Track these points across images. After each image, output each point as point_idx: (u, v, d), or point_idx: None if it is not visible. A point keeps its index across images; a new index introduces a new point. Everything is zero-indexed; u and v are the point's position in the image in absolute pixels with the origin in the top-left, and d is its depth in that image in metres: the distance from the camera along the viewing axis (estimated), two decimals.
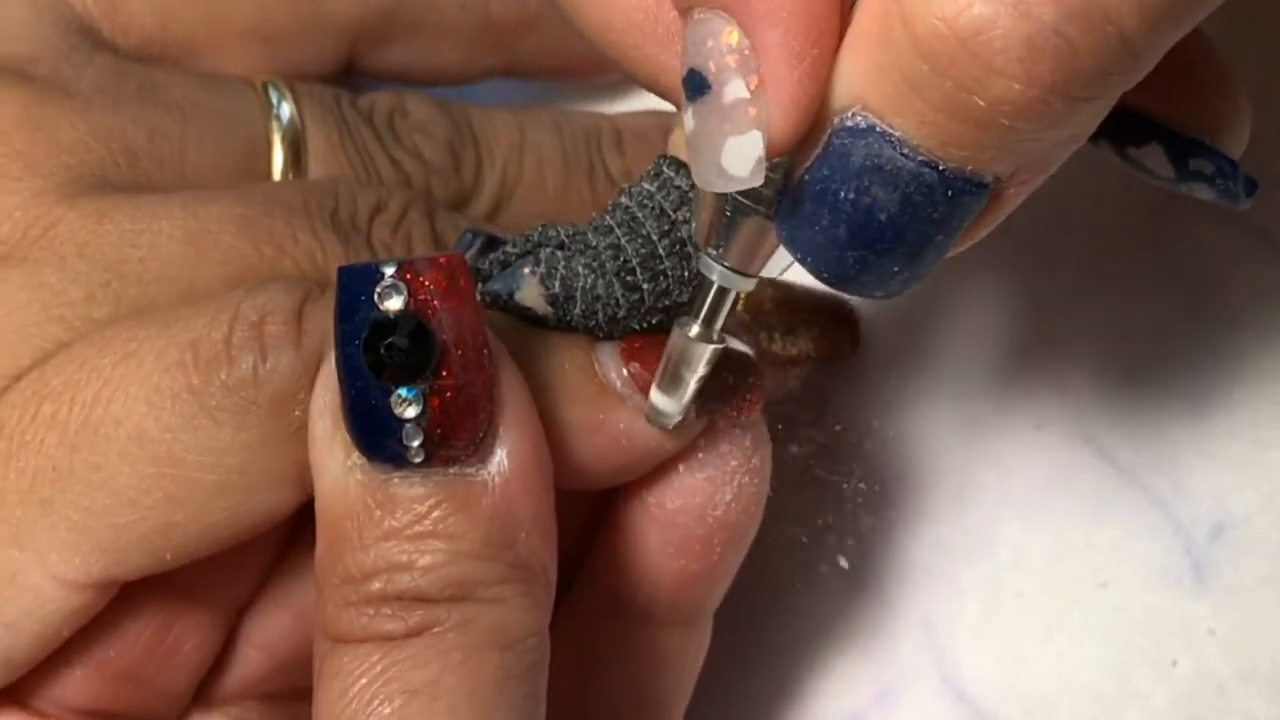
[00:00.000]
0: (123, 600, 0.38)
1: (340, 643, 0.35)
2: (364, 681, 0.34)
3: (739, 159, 0.31)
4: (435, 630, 0.34)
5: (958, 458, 0.49)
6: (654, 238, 0.38)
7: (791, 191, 0.32)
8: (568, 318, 0.38)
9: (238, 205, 0.40)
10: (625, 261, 0.38)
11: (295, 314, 0.36)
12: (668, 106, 0.48)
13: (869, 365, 0.50)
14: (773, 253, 0.34)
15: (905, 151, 0.30)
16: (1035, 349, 0.50)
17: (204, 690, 0.41)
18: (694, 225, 0.36)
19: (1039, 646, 0.47)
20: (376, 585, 0.34)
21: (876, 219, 0.31)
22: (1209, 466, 0.48)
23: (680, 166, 0.38)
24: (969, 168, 0.30)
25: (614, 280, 0.38)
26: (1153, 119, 0.39)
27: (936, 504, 0.49)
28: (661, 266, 0.38)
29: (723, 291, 0.36)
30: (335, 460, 0.35)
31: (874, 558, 0.49)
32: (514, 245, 0.39)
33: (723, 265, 0.35)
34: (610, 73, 0.52)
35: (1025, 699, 0.47)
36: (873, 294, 0.33)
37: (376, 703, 0.34)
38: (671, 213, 0.38)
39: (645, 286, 0.38)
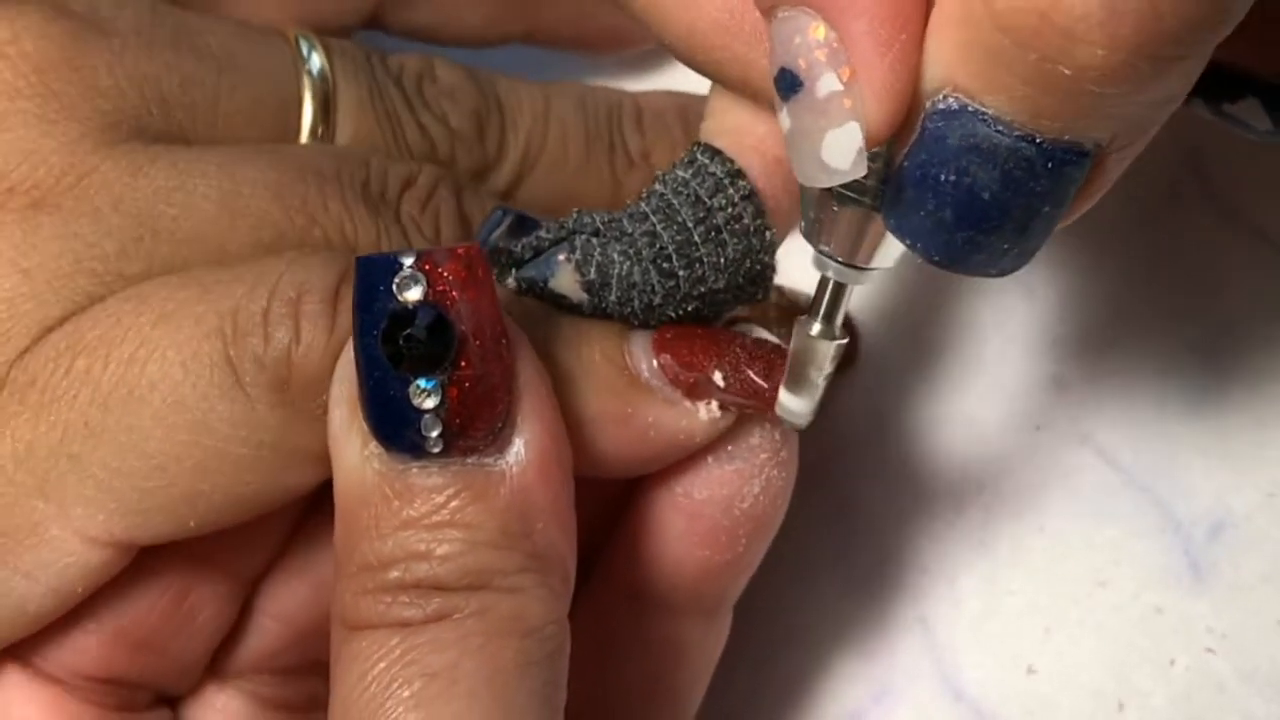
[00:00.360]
0: (140, 565, 0.38)
1: (358, 630, 0.35)
2: (383, 665, 0.34)
3: (839, 152, 0.31)
4: (454, 617, 0.34)
5: (956, 457, 0.49)
6: (689, 225, 0.38)
7: (893, 179, 0.32)
8: (603, 305, 0.38)
9: (272, 169, 0.40)
10: (661, 248, 0.38)
11: (332, 292, 0.36)
12: (684, 86, 0.49)
13: (869, 366, 0.50)
14: (881, 242, 0.34)
15: (1000, 129, 0.30)
16: (1034, 349, 0.50)
17: (219, 661, 0.41)
18: (802, 224, 0.36)
19: (1038, 646, 0.47)
20: (394, 574, 0.34)
21: (980, 198, 0.31)
22: (1208, 465, 0.48)
23: (715, 154, 0.38)
24: (1066, 137, 0.30)
25: (650, 267, 0.38)
26: (1247, 72, 0.38)
27: (935, 504, 0.49)
28: (697, 254, 0.38)
29: (839, 287, 0.36)
30: (353, 449, 0.35)
31: (873, 557, 0.49)
32: (548, 231, 0.38)
33: (837, 261, 0.35)
34: (630, 47, 0.52)
35: (1024, 698, 0.47)
36: (987, 272, 0.33)
37: (396, 685, 0.34)
38: (707, 200, 0.38)
39: (681, 274, 0.38)
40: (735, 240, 0.38)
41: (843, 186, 0.33)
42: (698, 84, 0.38)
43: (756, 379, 0.38)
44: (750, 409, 0.39)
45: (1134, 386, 0.49)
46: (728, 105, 0.38)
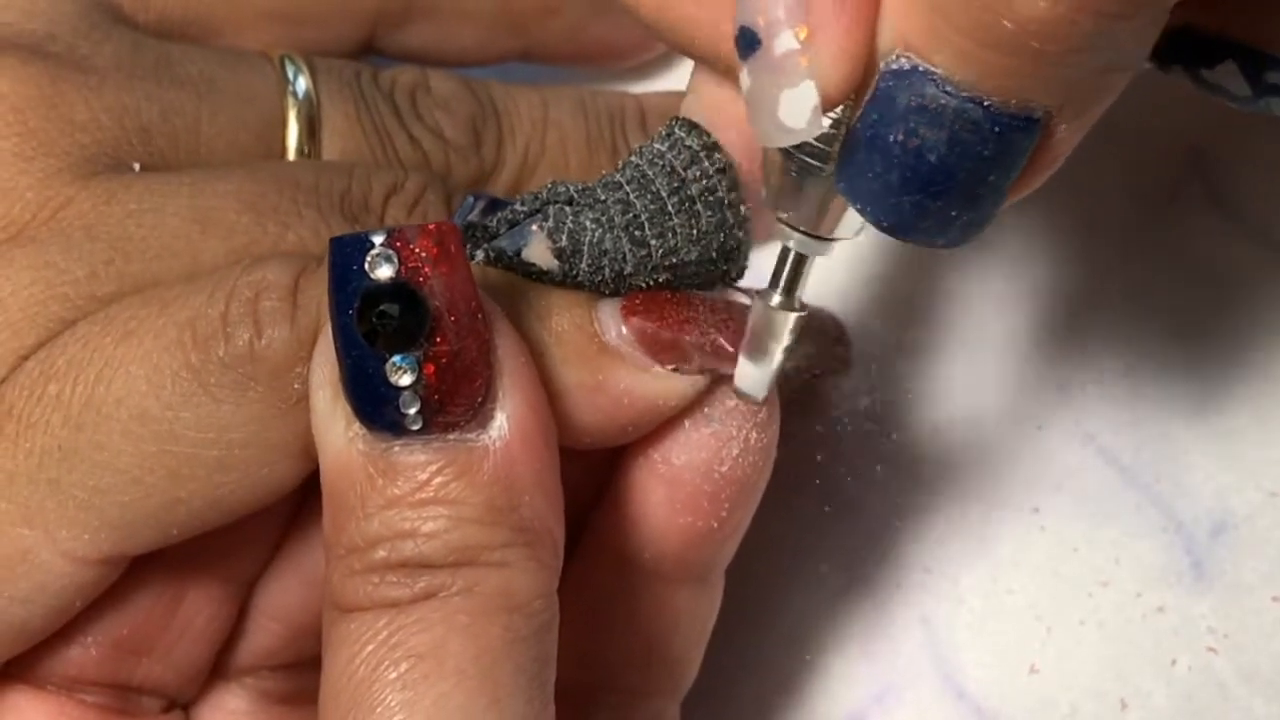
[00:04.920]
0: (133, 574, 0.39)
1: (347, 612, 0.35)
2: (370, 648, 0.34)
3: (795, 111, 0.31)
4: (441, 595, 0.34)
5: (958, 457, 0.49)
6: (663, 195, 0.38)
7: (846, 141, 0.32)
8: (575, 273, 0.38)
9: (246, 181, 0.40)
10: (634, 217, 0.38)
11: (290, 288, 0.37)
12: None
13: (869, 365, 0.50)
14: (843, 212, 0.34)
15: (948, 89, 0.30)
16: (1036, 348, 0.50)
17: (221, 662, 0.41)
18: (764, 192, 0.36)
19: (1040, 645, 0.47)
20: (381, 553, 0.34)
21: (926, 161, 0.31)
22: (1210, 466, 0.48)
23: (692, 128, 0.38)
24: (1013, 101, 0.30)
25: (622, 235, 0.38)
26: (1224, 37, 0.38)
27: (937, 503, 0.49)
28: (670, 224, 0.38)
29: (800, 258, 0.36)
30: (337, 431, 0.35)
31: (874, 557, 0.49)
32: (523, 203, 0.38)
33: (797, 231, 0.35)
34: (628, 59, 0.52)
35: (1026, 698, 0.47)
36: (935, 242, 0.33)
37: (383, 668, 0.34)
38: (681, 171, 0.38)
39: (653, 243, 0.38)
40: (709, 212, 0.38)
41: (803, 152, 0.33)
42: None
43: (725, 343, 0.38)
44: (720, 372, 0.38)
45: (1136, 387, 0.49)
46: (707, 82, 0.38)
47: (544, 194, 0.39)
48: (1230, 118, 0.49)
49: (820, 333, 0.48)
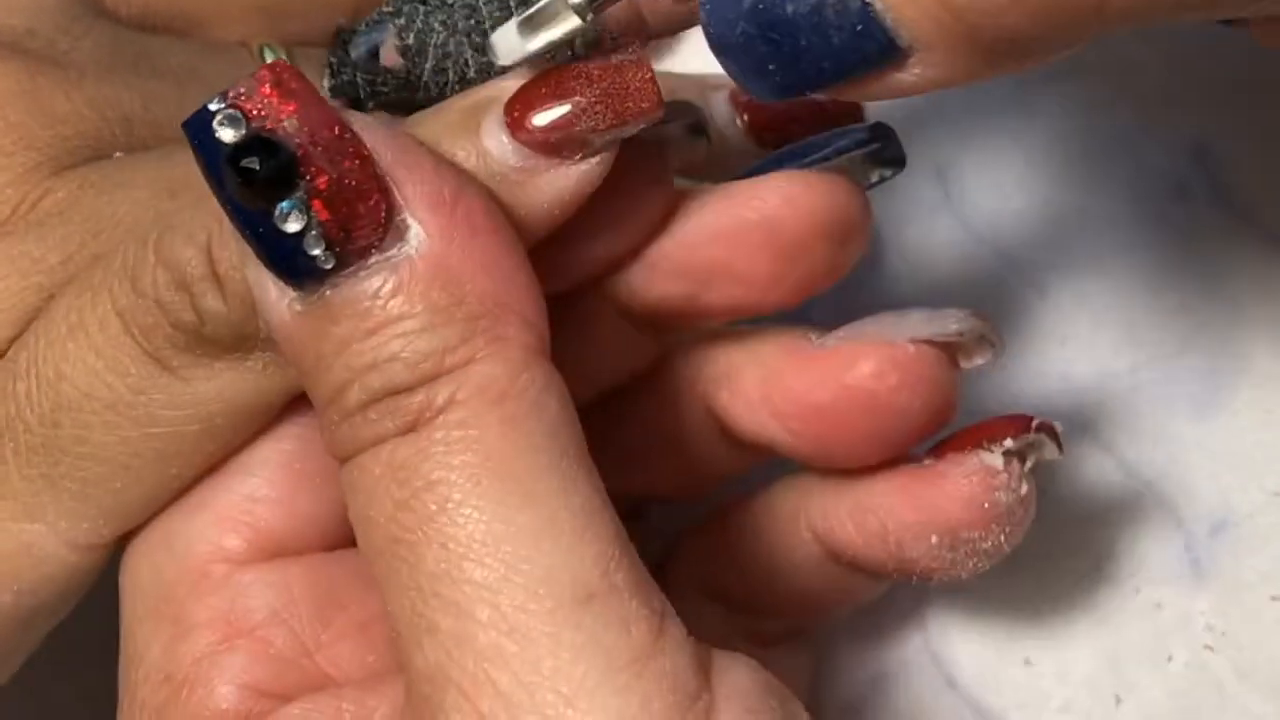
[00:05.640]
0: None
1: (346, 461, 0.34)
2: (380, 489, 0.33)
3: None
4: (425, 419, 0.33)
5: None
6: (512, 4, 0.37)
7: None
8: (419, 73, 0.38)
9: None
10: (478, 23, 0.37)
11: (204, 247, 0.36)
12: (694, 68, 0.49)
13: None
14: None
15: None
16: (1038, 343, 0.50)
17: None
18: None
19: (1034, 639, 0.47)
20: (353, 396, 0.34)
21: (783, 6, 0.31)
22: (1212, 464, 0.48)
23: None
24: (890, 16, 0.30)
25: (464, 39, 0.37)
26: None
27: None
28: None
29: None
30: (273, 301, 0.34)
31: None
32: (388, 5, 0.38)
33: None
34: None
35: (1021, 690, 0.47)
36: (740, 78, 0.33)
37: (402, 508, 0.33)
38: None
39: None
40: None
41: None
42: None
43: (618, 116, 0.36)
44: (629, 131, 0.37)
45: (1140, 383, 0.49)
46: None
47: None
48: (1235, 114, 0.49)
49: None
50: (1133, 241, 0.50)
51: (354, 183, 0.33)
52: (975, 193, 0.51)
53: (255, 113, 0.33)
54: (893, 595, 0.48)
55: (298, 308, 0.34)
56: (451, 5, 0.38)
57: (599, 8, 0.35)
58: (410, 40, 0.38)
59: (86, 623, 0.41)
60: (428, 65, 0.38)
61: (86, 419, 0.37)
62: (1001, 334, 0.41)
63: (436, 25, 0.38)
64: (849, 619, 0.48)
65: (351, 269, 0.33)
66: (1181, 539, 0.47)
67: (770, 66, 0.32)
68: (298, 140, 0.33)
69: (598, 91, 0.36)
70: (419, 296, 0.33)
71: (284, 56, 0.44)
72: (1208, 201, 0.49)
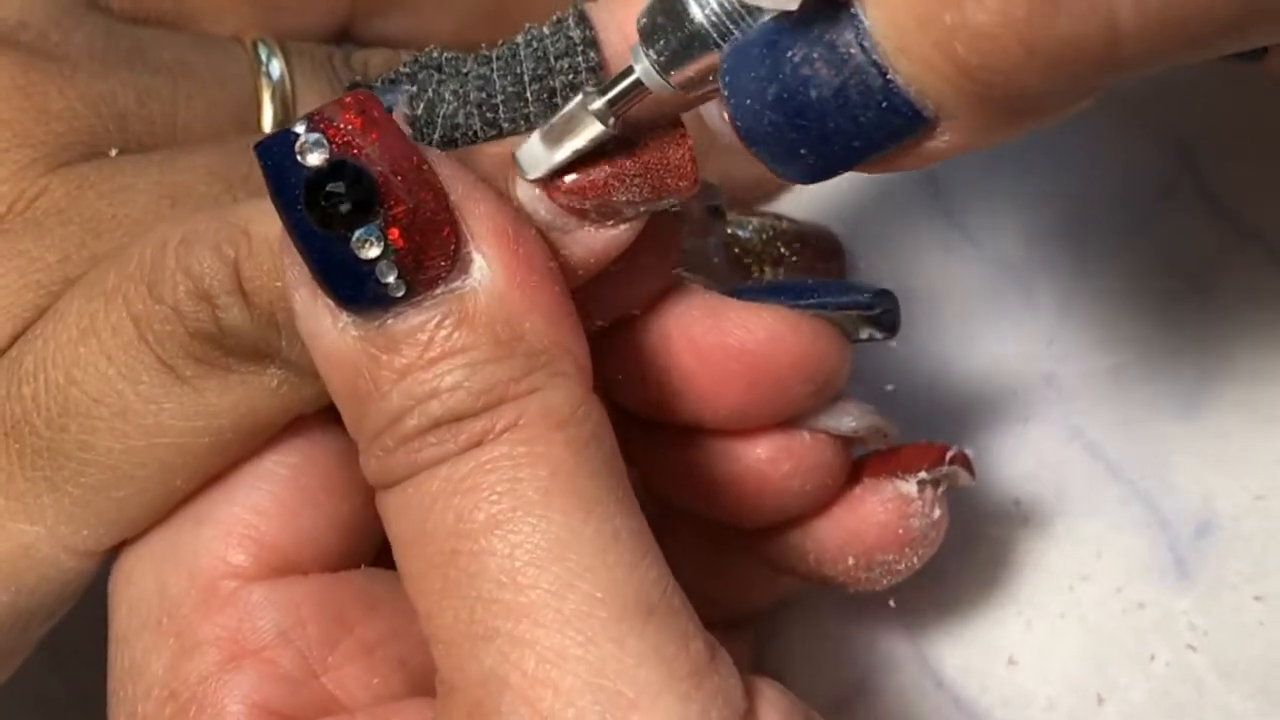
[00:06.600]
0: None
1: (398, 484, 0.34)
2: (441, 502, 0.33)
3: None
4: (488, 439, 0.33)
5: None
6: (526, 80, 0.37)
7: (749, 32, 0.32)
8: (427, 143, 0.37)
9: (214, 154, 0.41)
10: (490, 96, 0.37)
11: (227, 255, 0.36)
12: None
13: (857, 359, 0.50)
14: (702, 77, 0.33)
15: (865, 43, 0.30)
16: (1025, 343, 0.50)
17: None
18: (642, 17, 0.34)
19: (1019, 637, 0.47)
20: (411, 422, 0.34)
21: (807, 93, 0.31)
22: (1197, 465, 0.48)
23: (582, 19, 0.37)
24: (913, 89, 0.30)
25: (474, 111, 0.37)
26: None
27: None
28: (525, 110, 0.37)
29: (638, 85, 0.34)
30: (325, 327, 0.34)
31: None
32: (405, 65, 0.38)
33: (652, 64, 0.34)
34: None
35: (1004, 689, 0.47)
36: (772, 166, 0.32)
37: (466, 514, 0.33)
38: (553, 60, 0.37)
39: (505, 126, 0.37)
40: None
41: (714, 19, 0.32)
42: None
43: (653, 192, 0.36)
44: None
45: (1124, 383, 0.49)
46: None
47: (423, 58, 0.38)
48: (1222, 114, 0.49)
49: (808, 245, 0.48)
50: (1118, 241, 0.50)
51: (429, 214, 0.34)
52: (962, 193, 0.51)
53: (339, 140, 0.33)
54: (878, 596, 0.48)
55: (353, 333, 0.34)
56: (466, 75, 0.38)
57: (621, 111, 0.35)
58: (420, 111, 0.37)
59: (81, 622, 0.41)
60: (436, 136, 0.38)
61: (93, 424, 0.37)
62: (897, 428, 0.42)
63: (448, 95, 0.37)
64: (835, 619, 0.48)
65: (418, 298, 0.34)
66: (1165, 539, 0.47)
67: (802, 151, 0.32)
68: (379, 169, 0.33)
69: (639, 164, 0.36)
70: (483, 329, 0.34)
71: (277, 51, 0.44)
72: (1193, 202, 0.49)
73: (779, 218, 0.47)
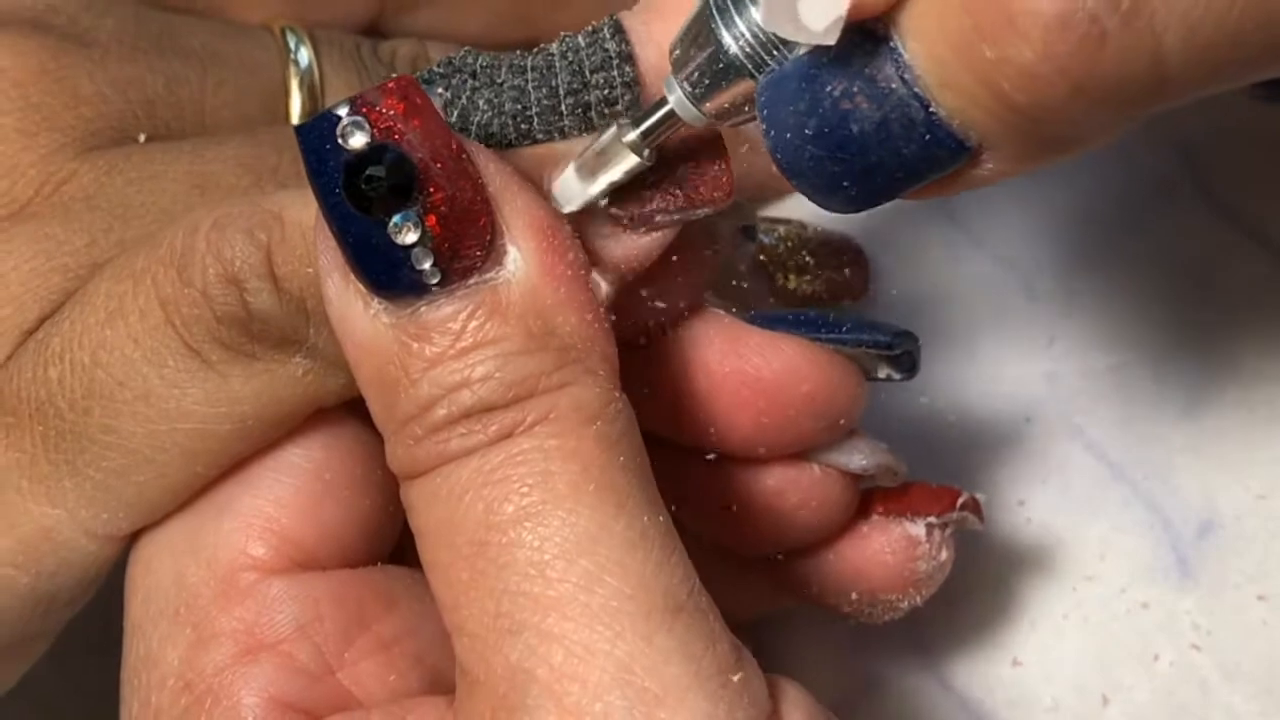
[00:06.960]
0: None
1: (425, 474, 0.34)
2: (471, 493, 0.33)
3: (817, 12, 0.30)
4: (518, 431, 0.33)
5: (946, 448, 0.49)
6: (561, 92, 0.37)
7: (788, 64, 0.31)
8: None
9: (244, 145, 0.40)
10: (525, 108, 0.36)
11: (259, 240, 0.36)
12: None
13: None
14: (738, 110, 0.33)
15: (906, 77, 0.30)
16: (1027, 342, 0.50)
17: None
18: (675, 48, 0.34)
19: (1024, 638, 0.47)
20: (441, 411, 0.33)
21: (849, 128, 0.31)
22: (1200, 465, 0.48)
23: (618, 31, 0.37)
24: (956, 122, 0.30)
25: (509, 122, 0.37)
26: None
27: None
28: (560, 123, 0.37)
29: (672, 117, 0.34)
30: (357, 313, 0.34)
31: None
32: (439, 66, 0.37)
33: (687, 95, 0.34)
34: None
35: (1009, 690, 0.47)
36: (814, 198, 0.32)
37: (496, 506, 0.33)
38: (588, 74, 0.37)
39: (540, 137, 0.37)
40: (603, 122, 0.37)
41: (747, 50, 0.32)
42: None
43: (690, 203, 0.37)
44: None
45: (1126, 383, 0.49)
46: None
47: (456, 61, 0.37)
48: (1221, 116, 0.49)
49: (833, 254, 0.48)
50: (1120, 241, 0.50)
51: (467, 203, 0.33)
52: (965, 193, 0.51)
53: (381, 124, 0.33)
54: None
55: (385, 320, 0.34)
56: (500, 85, 0.37)
57: (654, 142, 0.35)
58: (453, 117, 0.37)
59: (83, 621, 0.41)
60: None
61: (117, 408, 0.37)
62: (906, 466, 0.42)
63: (481, 104, 0.37)
64: (841, 621, 0.48)
65: (452, 286, 0.33)
66: (1168, 540, 0.47)
67: (845, 184, 0.31)
68: (419, 155, 0.33)
69: (675, 176, 0.36)
70: (516, 322, 0.33)
71: (306, 39, 0.44)
72: (1193, 201, 0.50)
73: (804, 225, 0.47)
